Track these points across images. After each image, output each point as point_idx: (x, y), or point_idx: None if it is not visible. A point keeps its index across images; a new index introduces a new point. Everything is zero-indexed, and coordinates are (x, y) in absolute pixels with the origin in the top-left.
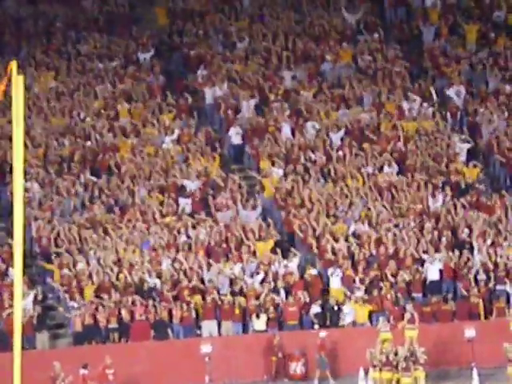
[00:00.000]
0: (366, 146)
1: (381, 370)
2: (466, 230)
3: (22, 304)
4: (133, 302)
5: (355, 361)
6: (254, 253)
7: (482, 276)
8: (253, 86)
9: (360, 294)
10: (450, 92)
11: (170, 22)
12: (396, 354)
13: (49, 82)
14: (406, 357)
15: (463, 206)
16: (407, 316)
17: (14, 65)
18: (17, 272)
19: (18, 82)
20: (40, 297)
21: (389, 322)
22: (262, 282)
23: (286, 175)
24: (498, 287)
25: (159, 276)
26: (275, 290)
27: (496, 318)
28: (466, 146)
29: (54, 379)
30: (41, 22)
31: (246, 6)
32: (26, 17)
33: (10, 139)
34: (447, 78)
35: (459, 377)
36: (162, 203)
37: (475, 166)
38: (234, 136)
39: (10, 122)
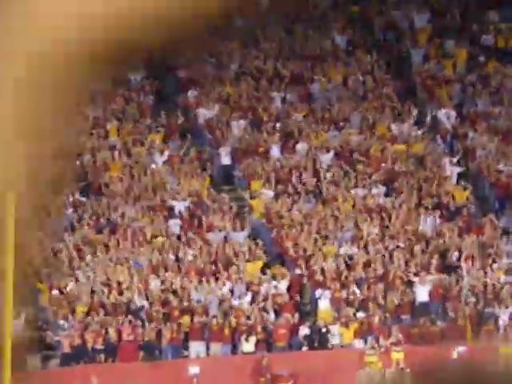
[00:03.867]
0: (355, 167)
1: None
2: (456, 253)
3: (14, 325)
4: (121, 323)
5: (344, 383)
6: (244, 273)
7: (470, 298)
8: (244, 107)
9: (348, 315)
10: (440, 114)
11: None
12: (384, 377)
13: None
14: (395, 379)
15: (453, 229)
16: (393, 338)
17: None
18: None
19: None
20: (30, 318)
21: (377, 342)
22: (251, 302)
23: (276, 196)
24: (487, 310)
25: (148, 296)
26: (264, 311)
27: (484, 341)
28: (457, 169)
29: None
30: None
31: (238, 28)
32: None
33: None
34: (437, 100)
35: None
36: (151, 223)
37: (465, 189)
38: (224, 157)
39: None
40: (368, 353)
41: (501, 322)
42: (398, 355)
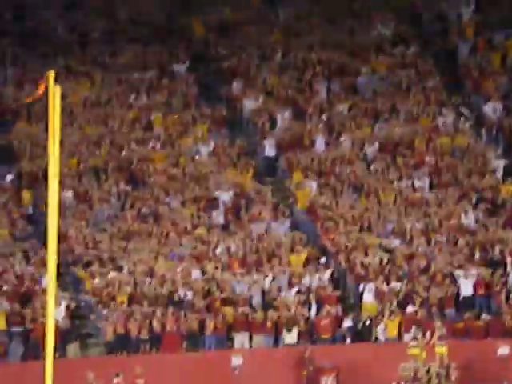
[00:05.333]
0: (399, 160)
1: None
2: (500, 247)
3: (55, 313)
4: (164, 313)
5: (387, 376)
6: (286, 265)
7: None
8: (288, 98)
9: (392, 308)
10: (486, 108)
11: (205, 33)
12: (428, 371)
13: (84, 92)
14: (438, 373)
15: (497, 222)
16: (437, 332)
17: (51, 75)
18: (50, 280)
19: (55, 93)
20: (72, 306)
21: (424, 335)
22: (294, 294)
23: (319, 188)
24: None
25: (191, 287)
26: (307, 303)
27: None
28: (502, 162)
29: None
30: (77, 32)
31: (282, 19)
32: (63, 27)
33: (45, 148)
34: (483, 93)
35: None
36: (194, 214)
37: (510, 183)
38: (268, 148)
39: (44, 130)
40: (411, 346)
41: None
42: (441, 349)
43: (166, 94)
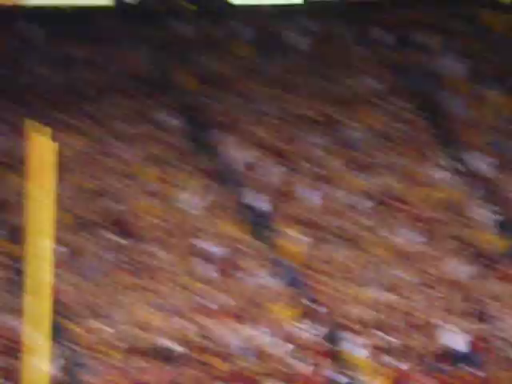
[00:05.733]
0: (394, 214)
1: None
2: (491, 301)
3: (43, 366)
4: (156, 368)
5: None
6: (281, 320)
7: (509, 352)
8: (281, 152)
9: (387, 364)
10: (479, 162)
11: (199, 86)
12: None
13: (79, 146)
14: None
15: (487, 276)
16: None
17: (43, 132)
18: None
19: (48, 149)
20: (64, 362)
21: None
22: (283, 346)
23: (313, 242)
24: None
25: (180, 339)
26: (296, 355)
27: None
28: (497, 217)
29: None
30: (73, 87)
31: (273, 73)
32: (58, 83)
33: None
34: (476, 148)
35: None
36: (188, 268)
37: (504, 237)
38: (262, 202)
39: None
40: None
41: None
42: None
43: (161, 147)
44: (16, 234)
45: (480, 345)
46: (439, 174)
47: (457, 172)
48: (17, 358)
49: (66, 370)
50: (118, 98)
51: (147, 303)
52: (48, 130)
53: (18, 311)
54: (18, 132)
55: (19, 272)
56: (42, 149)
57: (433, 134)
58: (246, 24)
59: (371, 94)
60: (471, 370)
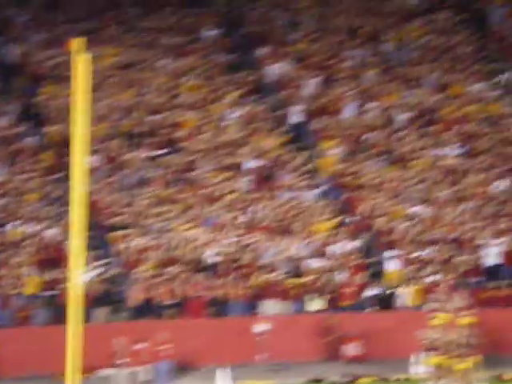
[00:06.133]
0: (430, 127)
1: (435, 354)
2: None
3: (84, 277)
4: (190, 278)
5: (410, 344)
6: (314, 232)
7: None
8: (317, 64)
9: (418, 276)
10: None
11: (231, 2)
12: (450, 340)
13: (114, 56)
14: (461, 343)
15: None
16: (461, 301)
17: (77, 42)
18: (76, 244)
19: (83, 60)
20: (102, 270)
21: (445, 304)
22: (321, 261)
23: (348, 155)
24: None
25: (218, 253)
26: (334, 271)
27: None
28: None
29: (115, 354)
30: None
31: None
32: None
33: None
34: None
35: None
36: (224, 181)
37: None
38: (297, 114)
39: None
40: (435, 314)
41: None
42: (465, 319)
43: (196, 58)
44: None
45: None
46: (476, 87)
47: (494, 85)
48: (53, 266)
49: (102, 278)
50: (153, 8)
51: (182, 215)
52: (84, 41)
53: (56, 220)
54: (52, 41)
55: (53, 180)
56: (79, 61)
57: (471, 47)
58: None
59: (408, 6)
60: (503, 282)
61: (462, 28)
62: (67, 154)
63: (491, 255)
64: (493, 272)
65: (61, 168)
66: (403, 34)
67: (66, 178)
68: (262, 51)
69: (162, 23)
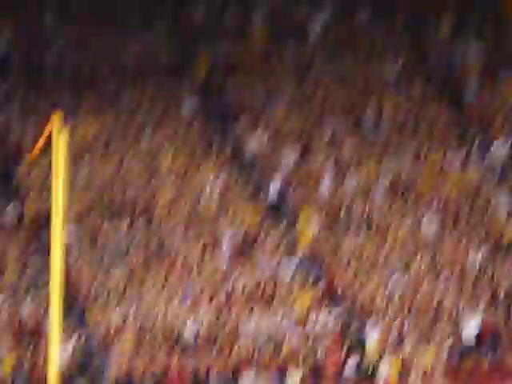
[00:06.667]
0: (407, 198)
1: None
2: (506, 288)
3: (61, 352)
4: (170, 354)
5: None
6: (294, 305)
7: None
8: (295, 135)
9: (398, 348)
10: (494, 146)
11: (211, 71)
12: None
13: (92, 132)
14: None
15: (504, 264)
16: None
17: (56, 117)
18: (54, 318)
19: (61, 134)
20: (78, 345)
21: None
22: (301, 334)
23: (326, 228)
24: None
25: (198, 326)
26: (313, 345)
27: None
28: (510, 200)
29: None
30: (84, 71)
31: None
32: (69, 66)
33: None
34: (491, 131)
35: None
36: (201, 253)
37: None
38: (275, 186)
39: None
40: None
41: None
42: None
43: (175, 129)
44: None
45: (491, 332)
46: (457, 160)
47: (470, 155)
48: (32, 344)
49: (78, 353)
50: (130, 82)
51: (160, 287)
52: (60, 114)
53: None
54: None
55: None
56: (56, 134)
57: (446, 118)
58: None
59: (384, 78)
60: (488, 357)
61: (439, 98)
62: (46, 228)
63: (470, 328)
64: (472, 346)
65: (39, 242)
66: (380, 103)
67: (44, 252)
68: (241, 121)
69: (140, 94)
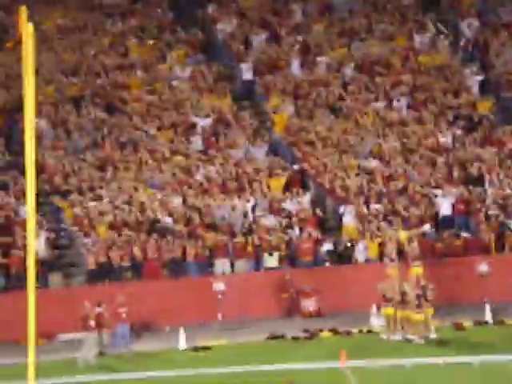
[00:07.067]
0: (376, 80)
1: (393, 306)
2: (477, 165)
3: (35, 244)
4: (145, 241)
5: (367, 297)
6: (266, 189)
7: (493, 211)
8: (263, 20)
9: (372, 229)
10: (462, 24)
11: None
12: (404, 291)
13: (58, 19)
14: (418, 294)
15: (474, 140)
16: (414, 253)
17: (23, 11)
18: (29, 209)
19: (27, 30)
20: (53, 236)
21: (399, 257)
22: (275, 218)
23: (296, 111)
24: (509, 221)
25: (171, 214)
26: (288, 227)
27: (508, 253)
28: (478, 78)
29: (84, 318)
30: None
31: None
32: None
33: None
34: (459, 10)
35: (471, 311)
36: (172, 141)
37: (487, 99)
38: (245, 72)
39: (19, 60)
40: (389, 266)
41: None
42: (417, 270)
43: (141, 19)
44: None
45: (463, 207)
46: (426, 40)
47: (440, 34)
48: (4, 233)
49: (53, 243)
50: None
51: (132, 177)
52: (24, 10)
53: (4, 188)
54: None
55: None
56: (26, 27)
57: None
58: None
59: None
60: (459, 233)
61: None
62: (16, 120)
63: (443, 205)
64: (446, 222)
65: (10, 134)
66: None
67: (17, 145)
68: (208, 9)
69: None
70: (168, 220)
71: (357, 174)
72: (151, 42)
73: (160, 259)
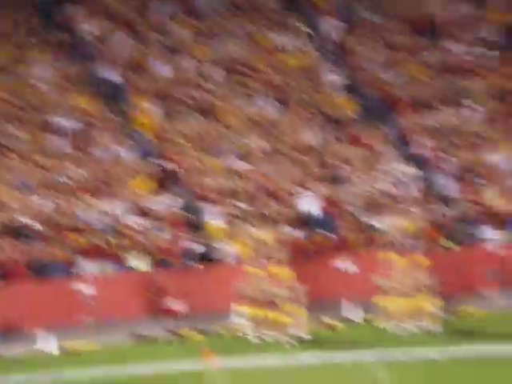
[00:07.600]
0: (242, 80)
1: (258, 306)
2: (343, 164)
3: None
4: (9, 243)
5: (231, 298)
6: (134, 191)
7: (356, 209)
8: (127, 21)
9: (240, 230)
10: (323, 24)
11: None
12: (265, 290)
13: None
14: (278, 293)
15: (339, 140)
16: (277, 253)
17: None
18: None
19: None
20: None
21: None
22: (143, 219)
23: (164, 112)
24: (372, 221)
25: (35, 215)
26: (156, 229)
27: (373, 251)
28: (342, 77)
29: None
30: None
31: None
32: None
33: None
34: (319, 10)
35: (336, 310)
36: (38, 142)
37: (351, 100)
38: (112, 72)
39: None
40: (253, 266)
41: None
42: (283, 269)
43: (5, 19)
44: None
45: (329, 206)
46: (289, 40)
47: (307, 37)
48: None
49: None
50: None
51: (2, 182)
52: None
53: None
54: None
55: None
56: None
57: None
58: None
59: None
60: (325, 233)
61: None
62: None
63: (309, 205)
64: (311, 222)
65: None
66: None
67: None
68: (73, 10)
69: None
70: (31, 221)
71: (225, 175)
72: (9, 42)
73: (22, 261)
